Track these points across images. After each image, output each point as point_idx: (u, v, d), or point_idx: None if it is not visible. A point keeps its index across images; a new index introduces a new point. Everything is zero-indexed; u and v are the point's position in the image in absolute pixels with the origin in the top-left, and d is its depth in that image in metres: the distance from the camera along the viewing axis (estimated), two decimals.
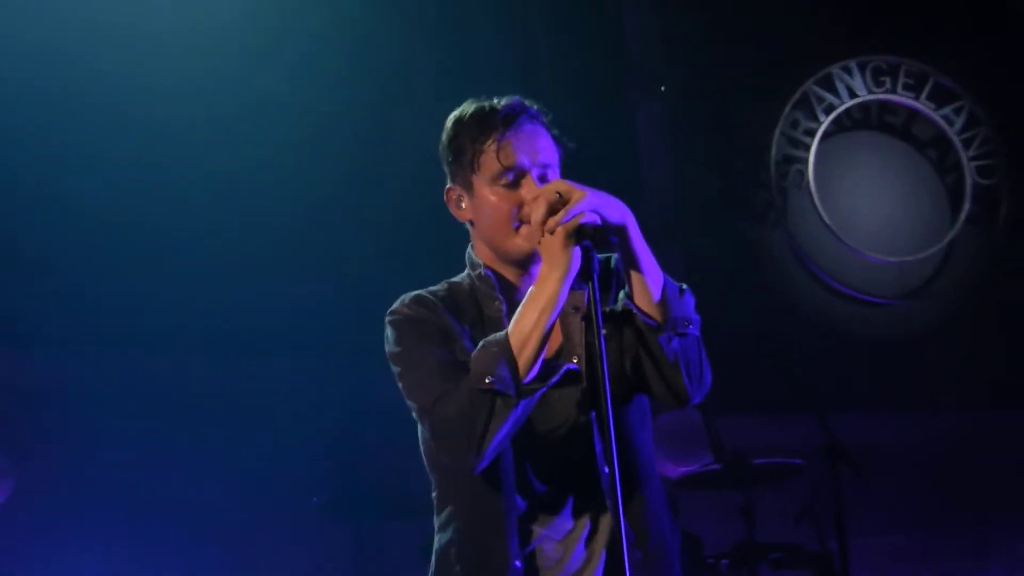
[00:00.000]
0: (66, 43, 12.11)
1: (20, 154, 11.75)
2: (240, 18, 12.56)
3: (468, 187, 5.78)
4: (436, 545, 5.70)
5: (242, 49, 12.35)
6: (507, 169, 5.68)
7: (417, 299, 5.75)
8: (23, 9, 12.09)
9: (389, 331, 5.71)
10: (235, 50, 12.40)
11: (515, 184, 5.67)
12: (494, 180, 5.71)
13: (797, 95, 13.88)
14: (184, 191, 12.02)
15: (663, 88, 13.43)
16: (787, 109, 13.84)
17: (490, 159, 5.70)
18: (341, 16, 12.52)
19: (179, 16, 12.37)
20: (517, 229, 5.68)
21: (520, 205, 5.64)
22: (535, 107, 5.78)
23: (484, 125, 5.73)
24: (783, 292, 13.69)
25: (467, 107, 5.80)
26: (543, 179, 5.70)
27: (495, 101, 5.75)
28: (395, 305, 5.72)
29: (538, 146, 5.75)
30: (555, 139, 5.78)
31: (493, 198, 5.73)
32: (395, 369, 5.64)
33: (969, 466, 13.34)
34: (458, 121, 5.79)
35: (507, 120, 5.73)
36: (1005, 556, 13.31)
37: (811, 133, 13.82)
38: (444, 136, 5.82)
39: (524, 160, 5.69)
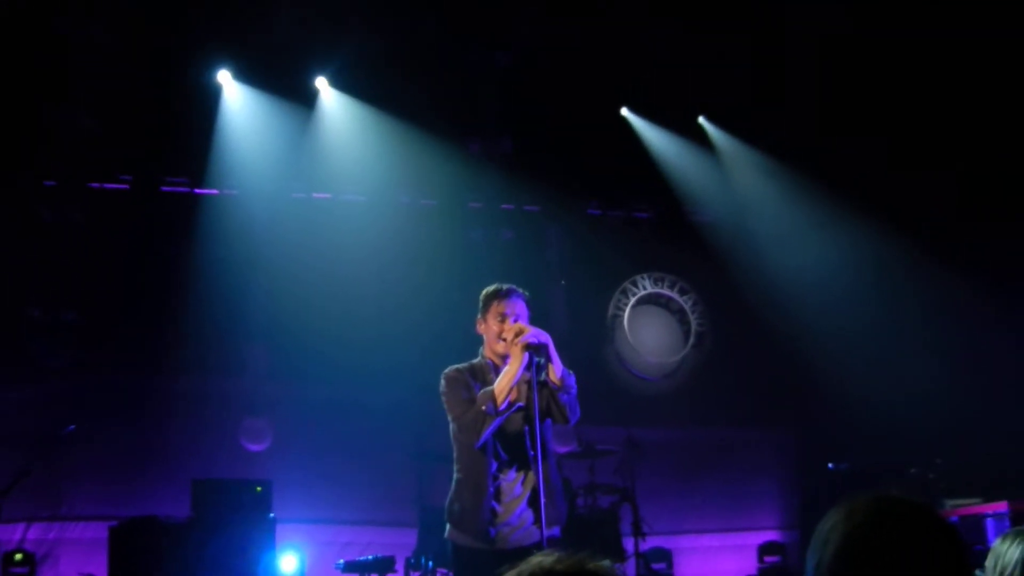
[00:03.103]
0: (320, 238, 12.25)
1: (308, 292, 11.89)
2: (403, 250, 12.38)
3: (485, 319, 6.16)
4: (454, 479, 6.16)
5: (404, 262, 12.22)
6: (501, 314, 6.07)
7: (455, 369, 6.15)
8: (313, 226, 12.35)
9: (442, 381, 6.12)
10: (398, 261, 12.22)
11: (503, 321, 6.04)
12: (495, 317, 6.09)
13: (620, 287, 13.63)
14: (373, 307, 11.92)
15: (563, 282, 13.14)
16: (615, 294, 13.62)
17: (495, 308, 6.10)
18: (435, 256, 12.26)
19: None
20: (499, 342, 6.04)
21: (502, 330, 6.03)
22: (519, 289, 6.17)
23: (497, 294, 6.13)
24: (610, 372, 13.37)
25: (492, 287, 6.19)
26: (517, 321, 6.03)
27: (503, 286, 6.15)
28: (445, 370, 6.15)
29: (516, 306, 6.10)
30: (526, 303, 6.17)
31: (494, 326, 6.09)
32: (443, 399, 6.09)
33: (696, 452, 13.26)
34: (487, 292, 6.17)
35: (505, 294, 6.12)
36: (704, 492, 13.12)
37: (626, 304, 13.54)
38: (481, 297, 6.19)
39: (508, 312, 6.06)
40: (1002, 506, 9.79)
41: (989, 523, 9.81)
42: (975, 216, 12.34)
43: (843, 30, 11.56)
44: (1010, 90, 11.56)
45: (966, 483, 10.68)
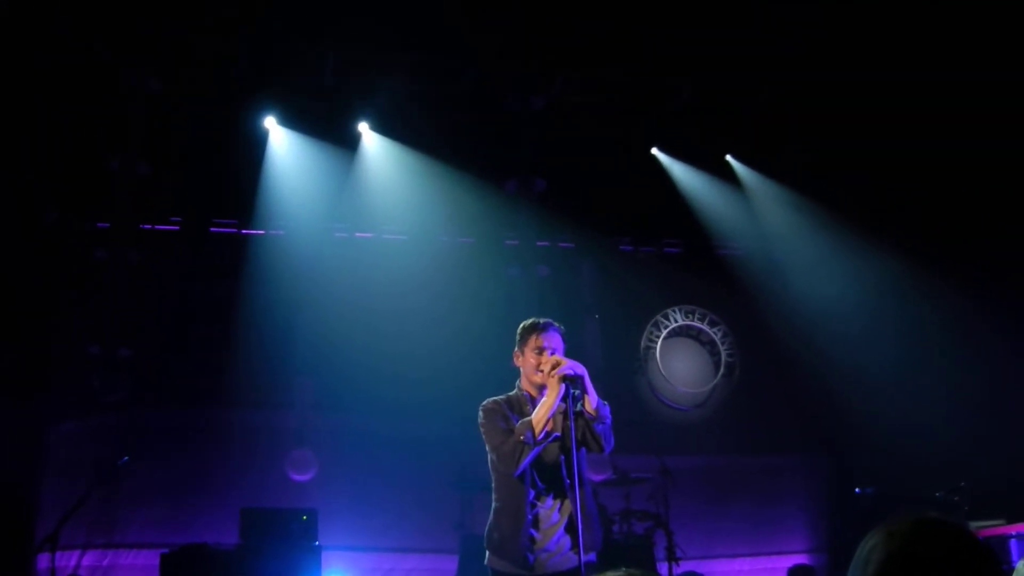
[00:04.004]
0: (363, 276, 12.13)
1: (348, 324, 11.77)
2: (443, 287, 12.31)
3: (523, 352, 6.06)
4: (493, 507, 6.08)
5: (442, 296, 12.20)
6: (538, 347, 5.97)
7: (493, 401, 6.04)
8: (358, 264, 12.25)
9: (480, 413, 6.01)
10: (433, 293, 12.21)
11: (540, 354, 5.95)
12: (532, 350, 5.99)
13: (652, 320, 13.50)
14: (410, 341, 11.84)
15: (597, 316, 12.96)
16: (648, 326, 13.50)
17: (532, 342, 6.00)
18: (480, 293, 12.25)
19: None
20: (537, 374, 5.94)
21: (539, 363, 5.93)
22: (556, 323, 6.07)
23: (534, 328, 6.03)
24: (644, 403, 13.19)
25: (529, 321, 6.10)
26: (554, 354, 5.94)
27: (540, 320, 6.06)
28: (483, 402, 6.04)
29: (553, 340, 6.01)
30: (562, 336, 6.06)
31: (531, 359, 5.99)
32: (482, 430, 5.97)
33: (727, 479, 13.09)
34: (525, 326, 6.08)
35: (543, 328, 6.03)
36: (735, 517, 12.94)
37: (658, 336, 13.43)
38: (518, 329, 6.10)
39: (545, 345, 5.96)
40: None
41: (1013, 544, 9.66)
42: (996, 243, 12.31)
43: (858, 64, 11.52)
44: None
45: (990, 505, 10.43)
